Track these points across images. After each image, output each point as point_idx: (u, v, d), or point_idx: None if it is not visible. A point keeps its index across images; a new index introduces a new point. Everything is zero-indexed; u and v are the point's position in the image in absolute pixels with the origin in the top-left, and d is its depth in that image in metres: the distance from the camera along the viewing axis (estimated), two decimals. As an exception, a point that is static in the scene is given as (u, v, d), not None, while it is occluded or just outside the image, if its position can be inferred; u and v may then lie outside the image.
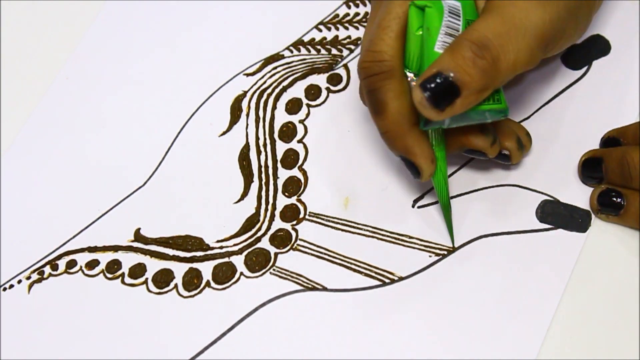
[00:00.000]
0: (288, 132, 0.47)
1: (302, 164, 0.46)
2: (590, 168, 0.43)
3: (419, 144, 0.39)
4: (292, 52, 0.49)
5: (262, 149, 0.46)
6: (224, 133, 0.47)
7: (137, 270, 0.43)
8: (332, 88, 0.48)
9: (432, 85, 0.36)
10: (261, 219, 0.44)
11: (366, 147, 0.45)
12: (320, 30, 0.50)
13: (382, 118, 0.39)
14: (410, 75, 0.38)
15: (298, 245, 0.43)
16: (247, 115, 0.47)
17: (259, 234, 0.43)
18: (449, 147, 0.41)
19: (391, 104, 0.38)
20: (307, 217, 0.44)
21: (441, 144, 0.41)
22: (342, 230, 0.43)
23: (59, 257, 0.44)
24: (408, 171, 0.41)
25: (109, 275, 0.43)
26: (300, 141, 0.46)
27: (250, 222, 0.44)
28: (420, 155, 0.39)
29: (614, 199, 0.41)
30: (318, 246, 0.43)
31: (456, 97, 0.36)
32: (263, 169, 0.46)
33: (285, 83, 0.48)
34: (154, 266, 0.43)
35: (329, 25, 0.50)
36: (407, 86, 0.38)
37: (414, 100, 0.36)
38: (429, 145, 0.40)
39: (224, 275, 0.42)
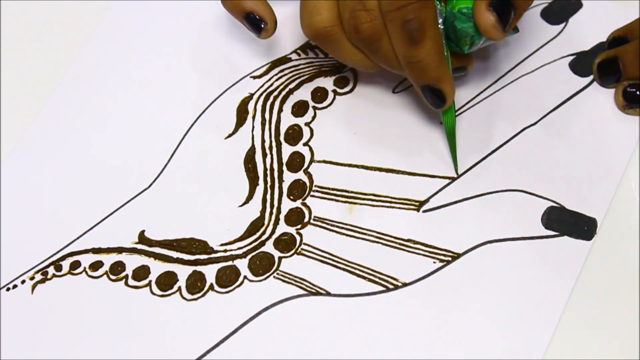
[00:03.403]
0: (294, 134, 0.47)
1: (308, 167, 0.45)
2: (606, 68, 0.45)
3: (448, 71, 0.40)
4: (299, 55, 0.49)
5: (267, 151, 0.46)
6: (230, 135, 0.47)
7: (141, 272, 0.43)
8: (339, 90, 0.48)
9: (498, 4, 0.38)
10: (266, 222, 0.44)
11: (372, 150, 0.45)
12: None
13: (420, 47, 0.39)
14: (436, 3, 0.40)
15: (302, 249, 0.43)
16: (253, 117, 0.47)
17: (264, 237, 0.43)
18: None
19: (429, 32, 0.39)
20: (311, 221, 0.44)
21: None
22: (347, 235, 0.43)
23: (63, 257, 0.44)
24: (429, 101, 0.41)
25: (113, 277, 0.43)
26: (306, 144, 0.46)
27: (255, 226, 0.44)
28: (450, 82, 0.40)
29: (638, 92, 0.43)
30: (322, 251, 0.43)
31: (511, 15, 0.38)
32: (268, 172, 0.45)
33: (291, 85, 0.48)
34: (157, 268, 0.43)
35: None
36: (437, 14, 0.39)
37: (483, 24, 0.38)
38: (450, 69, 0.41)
39: (228, 278, 0.42)
